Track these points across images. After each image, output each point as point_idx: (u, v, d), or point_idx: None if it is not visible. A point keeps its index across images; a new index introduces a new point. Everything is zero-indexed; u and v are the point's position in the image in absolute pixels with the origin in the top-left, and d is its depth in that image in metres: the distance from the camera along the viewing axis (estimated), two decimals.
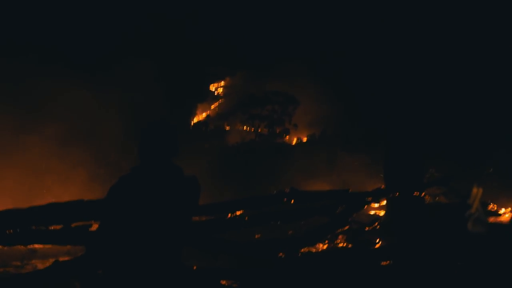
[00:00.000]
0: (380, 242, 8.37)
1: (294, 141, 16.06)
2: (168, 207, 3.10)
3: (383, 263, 7.14)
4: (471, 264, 6.47)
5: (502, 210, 9.82)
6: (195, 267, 5.81)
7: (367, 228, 9.15)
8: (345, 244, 8.45)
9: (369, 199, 9.56)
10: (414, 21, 9.48)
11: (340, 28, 13.80)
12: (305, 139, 15.96)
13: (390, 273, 6.61)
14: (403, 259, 7.09)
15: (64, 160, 11.62)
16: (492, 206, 10.03)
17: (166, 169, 3.19)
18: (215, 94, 17.43)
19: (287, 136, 16.06)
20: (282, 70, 15.72)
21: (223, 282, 6.06)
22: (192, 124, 16.34)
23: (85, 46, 13.10)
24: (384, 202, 9.55)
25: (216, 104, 17.16)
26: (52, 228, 6.61)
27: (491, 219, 8.81)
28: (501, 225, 8.75)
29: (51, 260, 6.59)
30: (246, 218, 8.11)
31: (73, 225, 6.58)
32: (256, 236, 8.15)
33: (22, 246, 6.97)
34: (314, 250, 8.01)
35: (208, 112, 16.93)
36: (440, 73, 10.71)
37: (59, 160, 11.55)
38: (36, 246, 7.35)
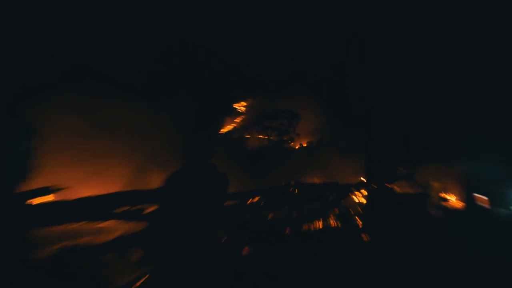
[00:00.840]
0: (361, 221, 8.31)
1: (297, 146, 16.03)
2: (206, 194, 3.16)
3: (364, 238, 7.10)
4: (432, 238, 6.44)
5: (450, 197, 9.69)
6: (223, 239, 5.85)
7: (352, 212, 9.13)
8: (335, 222, 8.44)
9: (353, 189, 9.55)
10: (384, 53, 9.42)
11: (333, 61, 13.69)
12: (305, 145, 15.92)
13: (369, 244, 6.58)
14: (379, 234, 7.06)
15: (130, 164, 11.49)
16: (443, 194, 9.92)
17: (204, 166, 3.24)
18: (239, 111, 17.49)
19: (292, 143, 16.04)
20: (288, 93, 15.76)
21: (245, 251, 6.02)
22: (222, 133, 16.42)
23: (141, 80, 12.61)
24: (364, 192, 9.50)
25: (240, 118, 17.22)
26: (121, 210, 6.66)
27: (444, 204, 8.73)
28: (451, 208, 8.66)
29: (116, 234, 6.57)
30: (262, 203, 8.14)
31: (135, 207, 6.63)
32: (269, 217, 8.14)
33: (95, 223, 6.88)
34: (312, 226, 7.98)
35: (234, 124, 16.98)
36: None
37: (127, 163, 11.41)
38: (105, 224, 7.06)
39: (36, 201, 7.01)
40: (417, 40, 10.54)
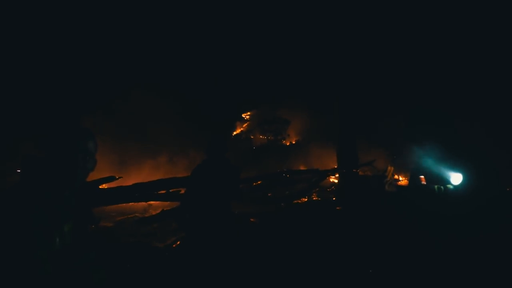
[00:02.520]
0: (335, 197, 8.33)
1: (288, 143, 16.04)
2: (224, 181, 3.19)
3: (337, 208, 7.11)
4: (387, 212, 6.42)
5: (401, 178, 9.68)
6: (236, 212, 5.90)
7: (328, 190, 9.15)
8: (316, 198, 8.47)
9: (329, 174, 9.56)
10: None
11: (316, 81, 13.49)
12: (294, 142, 15.93)
13: (340, 214, 6.59)
14: (348, 207, 7.06)
15: (163, 156, 11.51)
16: (395, 176, 9.88)
17: (222, 160, 3.26)
18: (245, 118, 17.50)
19: (284, 141, 16.05)
20: (281, 106, 15.78)
21: (252, 219, 6.06)
22: (233, 135, 16.44)
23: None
24: (337, 175, 9.53)
25: (246, 124, 17.23)
26: (160, 192, 6.71)
27: (396, 183, 8.68)
28: (402, 186, 8.61)
29: (159, 210, 6.58)
30: (264, 185, 8.18)
31: (171, 190, 6.67)
32: (269, 194, 8.18)
33: (144, 203, 6.92)
34: (300, 201, 8.01)
35: (242, 128, 17.00)
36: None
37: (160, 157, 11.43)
38: (152, 202, 7.02)
39: (102, 187, 7.10)
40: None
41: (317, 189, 8.84)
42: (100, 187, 6.91)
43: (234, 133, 16.76)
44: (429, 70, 11.00)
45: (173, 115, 11.93)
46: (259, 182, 8.15)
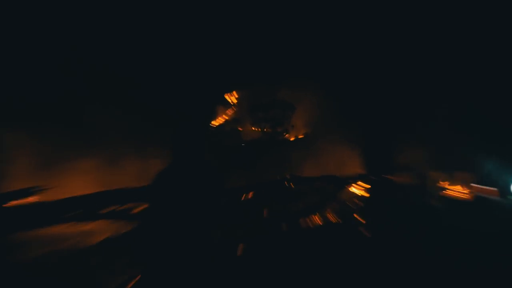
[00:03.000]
0: (360, 216, 8.37)
1: (293, 138, 16.06)
2: (198, 191, 3.21)
3: (363, 230, 7.17)
4: (430, 227, 6.54)
5: (452, 187, 9.82)
6: (217, 238, 5.82)
7: (349, 203, 9.18)
8: (332, 215, 8.49)
9: (351, 181, 9.63)
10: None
11: (332, 47, 13.65)
12: (301, 136, 15.96)
13: (370, 240, 6.65)
14: (379, 229, 7.13)
15: (114, 160, 11.47)
16: (443, 184, 10.00)
17: (195, 162, 3.28)
18: (230, 102, 17.44)
19: (287, 134, 16.07)
20: (283, 82, 15.73)
21: (239, 250, 6.04)
22: (212, 126, 16.39)
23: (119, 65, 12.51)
24: (363, 184, 9.57)
25: (231, 110, 17.18)
26: (105, 210, 6.63)
27: (441, 194, 8.84)
28: (449, 198, 8.76)
29: (105, 236, 6.45)
30: (258, 198, 8.17)
31: (121, 207, 6.57)
32: (264, 213, 8.16)
33: (82, 225, 6.87)
34: (309, 222, 8.01)
35: (225, 116, 16.96)
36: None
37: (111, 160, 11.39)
38: (93, 225, 6.98)
39: (16, 203, 6.95)
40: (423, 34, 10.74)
41: (334, 203, 8.87)
42: (9, 204, 6.81)
43: (213, 123, 16.74)
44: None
45: (118, 105, 11.81)
46: (250, 194, 8.14)
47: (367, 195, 9.42)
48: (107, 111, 11.60)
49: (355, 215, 8.40)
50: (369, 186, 9.31)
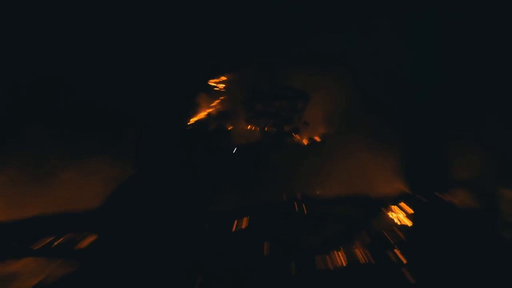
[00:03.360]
0: (403, 253, 8.37)
1: (305, 140, 16.06)
2: (170, 216, 3.17)
3: (405, 273, 7.16)
4: (504, 272, 6.52)
5: None
6: (197, 284, 5.79)
7: (387, 234, 9.17)
8: (362, 252, 8.46)
9: (389, 203, 9.59)
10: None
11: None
12: (317, 138, 15.96)
13: (411, 287, 6.64)
14: (426, 271, 7.12)
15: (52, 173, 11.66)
16: None
17: (165, 176, 3.25)
18: (216, 90, 17.44)
19: (297, 136, 16.06)
20: (292, 61, 15.70)
21: None
22: (190, 124, 16.34)
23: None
24: (406, 207, 9.54)
25: (217, 101, 17.18)
26: (38, 246, 6.63)
27: None
28: None
29: (34, 281, 6.55)
30: (253, 226, 8.13)
31: (57, 242, 6.60)
32: (265, 249, 8.16)
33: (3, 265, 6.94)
34: (329, 262, 8.00)
35: (209, 110, 16.94)
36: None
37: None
38: (18, 265, 7.08)
39: None
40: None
41: (364, 235, 8.86)
42: None
43: (192, 120, 16.74)
44: None
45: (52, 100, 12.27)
46: (244, 221, 8.14)
47: (410, 223, 9.40)
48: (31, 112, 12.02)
49: (395, 251, 8.35)
50: (413, 211, 9.29)
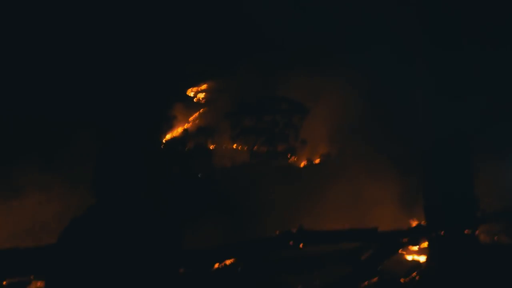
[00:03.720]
0: None
1: (303, 163, 16.11)
2: (136, 256, 3.12)
3: None
4: None
5: None
6: None
7: (402, 280, 9.16)
8: None
9: (405, 240, 9.59)
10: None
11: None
12: (317, 161, 16.01)
13: None
14: None
15: None
16: None
17: (132, 205, 3.19)
18: (195, 101, 17.49)
19: (293, 157, 16.10)
20: (285, 66, 15.79)
21: None
22: (163, 142, 16.34)
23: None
24: (425, 244, 9.56)
25: (196, 114, 17.21)
26: None
27: None
28: None
29: None
30: (239, 268, 8.10)
31: (4, 282, 6.56)
32: None
33: None
34: None
35: (186, 125, 16.96)
36: None
37: None
38: None
39: None
40: None
41: (375, 278, 8.85)
42: None
43: (166, 137, 16.74)
44: None
45: None
46: (227, 262, 8.09)
47: (431, 264, 9.40)
48: None
49: None
50: (435, 249, 9.28)
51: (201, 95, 17.71)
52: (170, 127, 16.87)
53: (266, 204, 13.01)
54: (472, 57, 10.68)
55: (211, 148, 16.44)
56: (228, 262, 7.97)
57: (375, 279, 8.72)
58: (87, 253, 3.08)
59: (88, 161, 3.32)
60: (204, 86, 17.80)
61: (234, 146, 16.31)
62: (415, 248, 10.04)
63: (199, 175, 12.30)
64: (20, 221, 11.88)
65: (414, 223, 9.89)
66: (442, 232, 8.47)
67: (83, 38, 15.30)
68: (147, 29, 15.92)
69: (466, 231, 8.41)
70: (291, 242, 8.69)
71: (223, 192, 13.84)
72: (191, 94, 17.73)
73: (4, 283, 6.70)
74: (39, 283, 6.69)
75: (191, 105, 17.61)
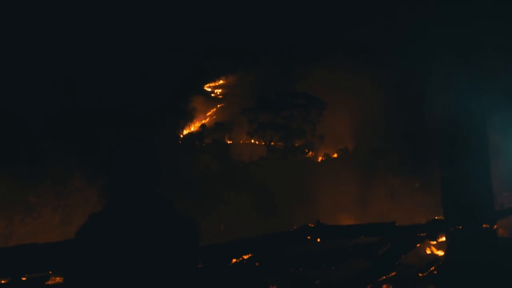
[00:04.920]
0: None
1: (320, 158, 16.09)
2: (154, 255, 3.10)
3: None
4: None
5: None
6: None
7: (420, 275, 9.10)
8: None
9: (423, 234, 9.53)
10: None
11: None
12: (335, 155, 15.98)
13: None
14: None
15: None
16: None
17: (148, 203, 3.18)
18: (212, 96, 17.52)
19: (311, 152, 16.09)
20: (303, 62, 15.76)
21: None
22: (181, 137, 16.37)
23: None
24: (443, 239, 9.49)
25: (214, 109, 17.26)
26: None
27: None
28: None
29: None
30: (257, 264, 8.09)
31: (23, 278, 6.58)
32: None
33: None
34: None
35: (204, 121, 16.99)
36: None
37: None
38: None
39: None
40: None
41: (393, 273, 8.81)
42: None
43: (184, 132, 16.82)
44: None
45: None
46: (245, 257, 8.08)
47: (449, 258, 9.35)
48: None
49: None
50: (454, 243, 9.23)
51: (218, 91, 17.77)
52: (188, 122, 16.98)
53: (283, 198, 13.04)
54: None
55: (228, 142, 16.52)
56: (245, 257, 7.96)
57: (393, 274, 8.68)
58: (106, 248, 3.08)
59: (106, 157, 3.33)
60: (221, 82, 17.89)
61: (252, 141, 16.38)
62: (433, 242, 9.99)
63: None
64: (40, 216, 11.99)
65: (432, 218, 9.81)
66: (460, 226, 8.41)
67: (105, 33, 15.74)
68: (166, 24, 16.12)
69: (484, 225, 8.35)
70: (309, 237, 8.66)
71: (240, 187, 13.87)
72: (209, 90, 17.79)
73: (23, 279, 6.72)
74: (57, 279, 6.70)
75: (209, 100, 17.71)
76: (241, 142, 15.46)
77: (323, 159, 15.43)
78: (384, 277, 8.62)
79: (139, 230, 3.14)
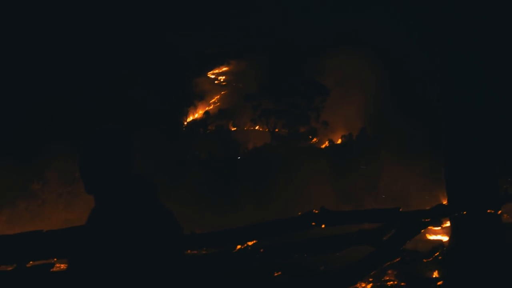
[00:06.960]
0: (443, 279, 8.29)
1: (325, 144, 16.03)
2: (152, 240, 3.08)
3: None
4: None
5: None
6: None
7: (425, 260, 9.10)
8: (396, 282, 8.39)
9: (427, 220, 9.51)
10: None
11: None
12: (339, 141, 15.93)
13: None
14: None
15: None
16: None
17: (124, 186, 3.14)
18: (216, 83, 17.45)
19: (315, 138, 16.03)
20: (306, 49, 15.69)
21: None
22: (184, 124, 16.31)
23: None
24: (447, 224, 9.50)
25: (218, 96, 17.18)
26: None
27: None
28: None
29: None
30: (261, 250, 8.09)
31: (28, 264, 6.59)
32: (275, 275, 8.11)
33: None
34: None
35: (207, 107, 16.93)
36: None
37: None
38: None
39: None
40: None
41: (398, 258, 8.80)
42: None
43: (187, 119, 16.75)
44: None
45: None
46: (249, 243, 8.08)
47: (453, 243, 9.35)
48: None
49: (433, 279, 8.27)
50: (458, 228, 9.23)
51: (222, 77, 17.70)
52: (191, 109, 16.88)
53: (287, 185, 13.00)
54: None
55: (232, 129, 16.44)
56: (250, 243, 7.95)
57: (397, 259, 8.67)
58: (110, 236, 3.06)
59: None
60: (225, 68, 17.80)
61: (256, 127, 16.30)
62: (438, 228, 9.98)
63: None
64: (45, 203, 12.06)
65: (436, 203, 9.79)
66: (465, 212, 8.38)
67: (114, 25, 15.67)
68: (169, 12, 15.99)
69: (488, 211, 8.32)
70: (313, 223, 8.65)
71: (245, 174, 13.83)
72: (213, 77, 17.72)
73: (28, 265, 6.74)
74: (62, 266, 6.72)
75: (212, 87, 17.62)
76: (245, 128, 15.39)
77: (327, 145, 15.33)
78: (389, 263, 8.61)
79: (143, 219, 3.13)
